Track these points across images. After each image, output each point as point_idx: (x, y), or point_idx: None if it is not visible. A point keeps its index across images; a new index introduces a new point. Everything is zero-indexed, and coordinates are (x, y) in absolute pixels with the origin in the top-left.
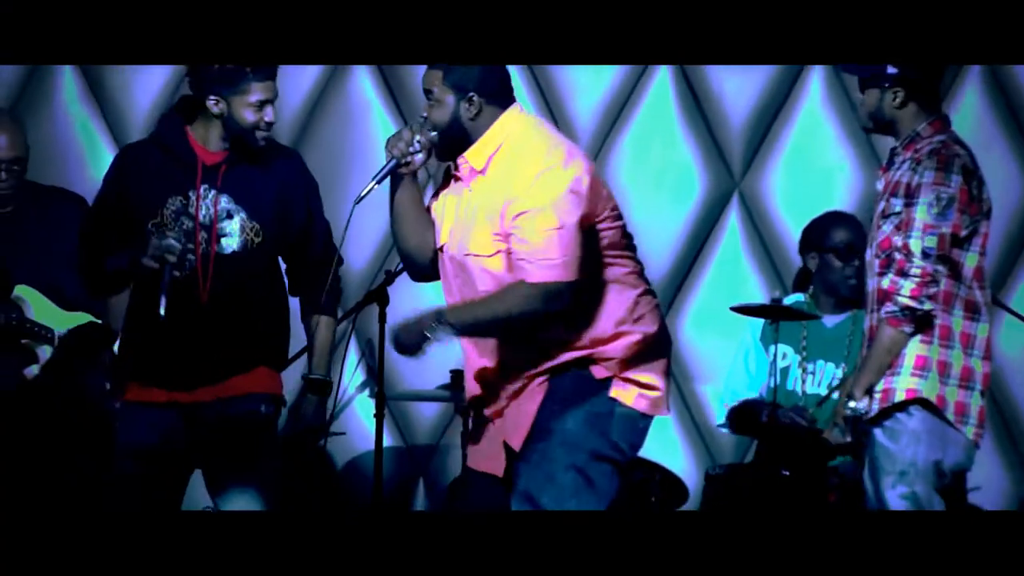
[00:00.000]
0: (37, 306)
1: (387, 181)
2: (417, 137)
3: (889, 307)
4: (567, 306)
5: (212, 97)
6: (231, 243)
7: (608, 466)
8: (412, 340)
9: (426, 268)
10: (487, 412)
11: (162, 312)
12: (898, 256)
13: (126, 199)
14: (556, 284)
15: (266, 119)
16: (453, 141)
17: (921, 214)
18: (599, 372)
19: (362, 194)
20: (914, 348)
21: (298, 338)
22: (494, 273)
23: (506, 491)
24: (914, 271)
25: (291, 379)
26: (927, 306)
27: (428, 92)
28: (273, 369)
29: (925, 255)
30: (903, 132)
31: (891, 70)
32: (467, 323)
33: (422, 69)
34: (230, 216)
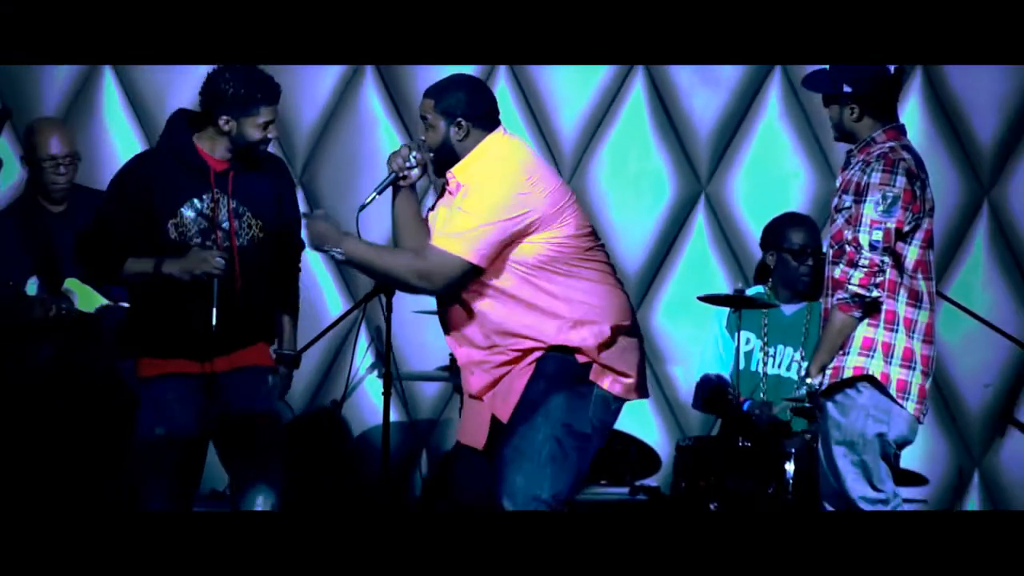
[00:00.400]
0: (84, 297)
1: (389, 192)
2: (414, 154)
3: (840, 294)
4: (448, 283)
5: (224, 117)
6: (241, 239)
7: (582, 441)
8: (315, 241)
9: None
10: (474, 392)
11: (214, 323)
12: (849, 248)
13: (147, 200)
14: (443, 256)
15: (269, 136)
16: (444, 159)
17: (869, 211)
18: (581, 358)
19: (364, 203)
20: (862, 331)
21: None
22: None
23: (488, 462)
24: (862, 262)
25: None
26: (875, 293)
27: (423, 118)
28: (268, 344)
29: (872, 247)
30: (861, 139)
31: (847, 89)
32: (355, 261)
33: (423, 87)
34: (239, 215)
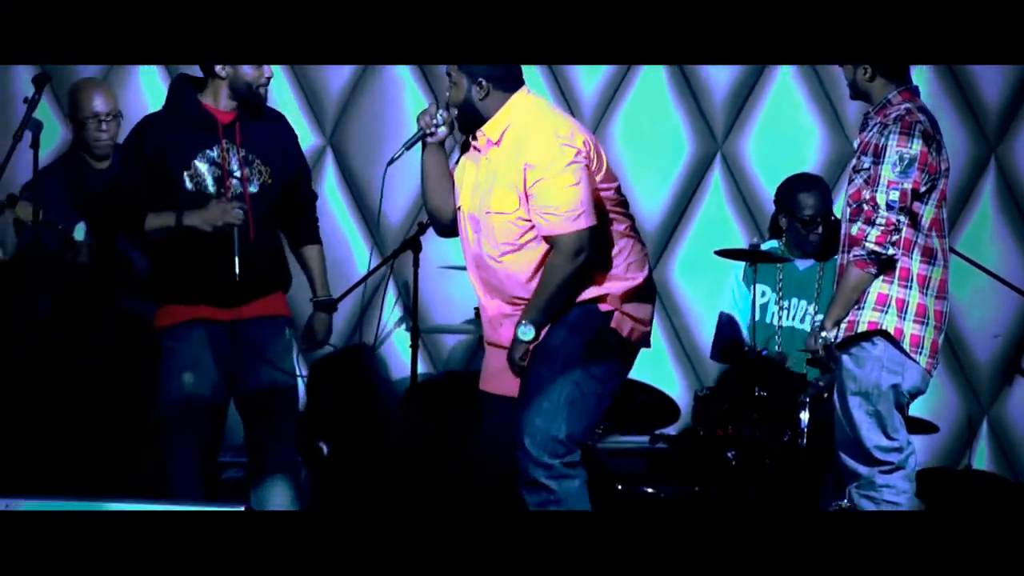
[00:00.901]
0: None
1: (418, 148)
2: (441, 112)
3: (857, 251)
4: (591, 253)
5: (219, 67)
6: (253, 186)
7: (599, 387)
8: (516, 364)
9: (448, 224)
10: (506, 342)
11: (237, 272)
12: (866, 207)
13: (161, 157)
14: (580, 232)
15: (266, 74)
16: (468, 117)
17: (886, 172)
18: (604, 307)
19: (393, 157)
20: (877, 287)
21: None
22: (512, 227)
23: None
24: (880, 221)
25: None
26: (890, 251)
27: (448, 75)
28: (284, 293)
29: (889, 207)
30: (876, 100)
31: None
32: (541, 316)
33: None
34: (249, 163)
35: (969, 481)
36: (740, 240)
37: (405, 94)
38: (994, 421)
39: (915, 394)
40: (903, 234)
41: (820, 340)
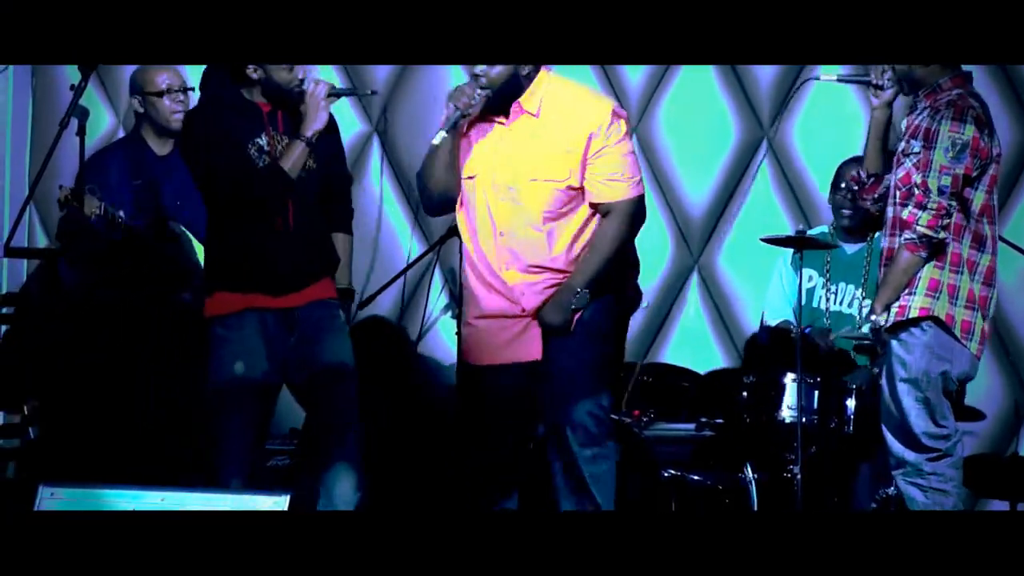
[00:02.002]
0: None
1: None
2: (479, 92)
3: (908, 235)
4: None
5: (251, 66)
6: (295, 171)
7: (617, 355)
8: (561, 318)
9: (447, 202)
10: (527, 310)
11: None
12: (917, 192)
13: (214, 147)
14: (640, 198)
15: (299, 76)
16: (506, 93)
17: (939, 157)
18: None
19: (435, 143)
20: (928, 272)
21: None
22: (560, 195)
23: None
24: (931, 205)
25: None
26: (941, 235)
27: None
28: (332, 276)
29: (941, 192)
30: (928, 84)
31: None
32: (593, 276)
33: None
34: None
35: (1017, 468)
36: (786, 226)
37: (451, 81)
38: None
39: (964, 380)
40: (953, 219)
41: (869, 324)
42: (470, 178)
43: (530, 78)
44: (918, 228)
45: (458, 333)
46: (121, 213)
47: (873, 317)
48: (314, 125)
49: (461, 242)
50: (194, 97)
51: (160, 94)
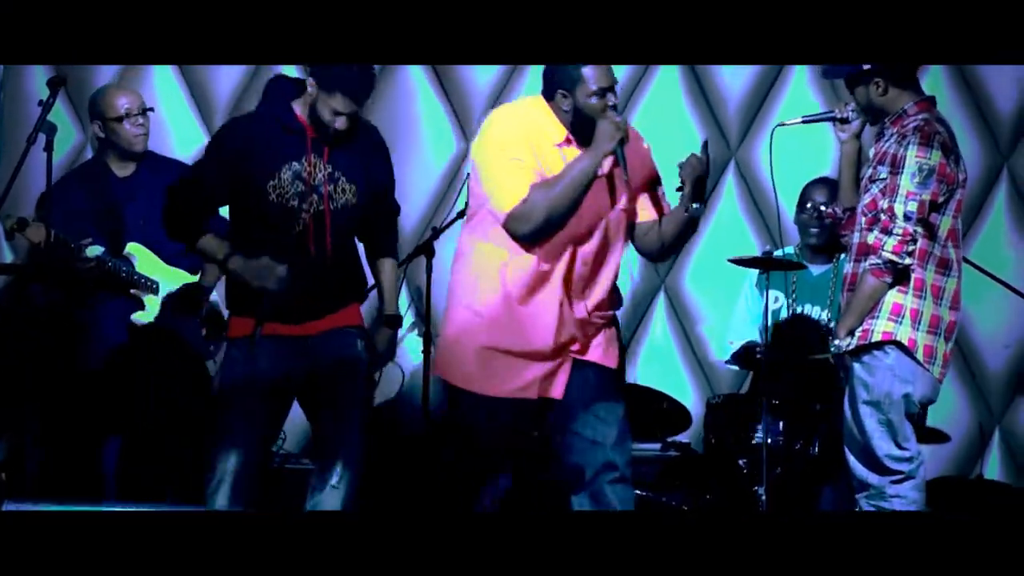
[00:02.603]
0: (143, 261)
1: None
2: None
3: (873, 260)
4: None
5: (311, 80)
6: (335, 203)
7: None
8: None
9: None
10: (563, 344)
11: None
12: (883, 217)
13: (245, 161)
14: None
15: (337, 126)
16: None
17: (905, 182)
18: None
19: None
20: (891, 297)
21: None
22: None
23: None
24: (896, 230)
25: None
26: (906, 261)
27: (612, 88)
28: (359, 304)
29: (907, 217)
30: (892, 111)
31: (866, 66)
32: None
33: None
34: (334, 180)
35: (981, 490)
36: (754, 247)
37: (419, 98)
38: (1006, 431)
39: (926, 403)
40: (919, 244)
41: (832, 348)
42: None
43: None
44: (883, 253)
45: (424, 351)
46: (85, 242)
47: (836, 342)
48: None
49: (429, 260)
50: (154, 118)
51: (120, 119)
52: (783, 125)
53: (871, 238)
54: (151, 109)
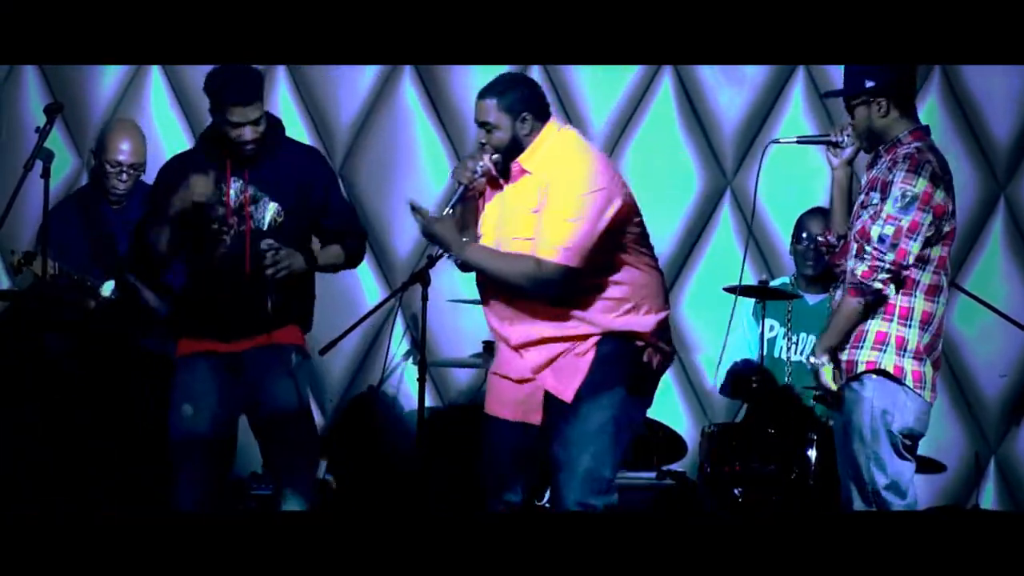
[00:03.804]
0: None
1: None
2: (480, 164)
3: (850, 280)
4: (559, 292)
5: (212, 115)
6: (257, 223)
7: (633, 421)
8: (432, 242)
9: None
10: (530, 372)
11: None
12: (859, 240)
13: (174, 197)
14: (556, 267)
15: (245, 136)
16: (512, 157)
17: (888, 206)
18: (639, 342)
19: (443, 214)
20: (875, 326)
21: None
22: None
23: (539, 437)
24: (865, 255)
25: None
26: (876, 285)
27: (484, 123)
28: (301, 328)
29: (880, 240)
30: (890, 137)
31: (869, 84)
32: (473, 264)
33: (458, 85)
34: (255, 201)
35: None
36: (749, 276)
37: (415, 125)
38: (1002, 460)
39: (912, 435)
40: (909, 273)
41: (810, 366)
42: (477, 240)
43: (531, 137)
44: (855, 277)
45: (420, 379)
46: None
47: (812, 360)
48: None
49: (424, 288)
50: (144, 177)
51: (112, 164)
52: (777, 142)
53: (851, 261)
54: (143, 165)
